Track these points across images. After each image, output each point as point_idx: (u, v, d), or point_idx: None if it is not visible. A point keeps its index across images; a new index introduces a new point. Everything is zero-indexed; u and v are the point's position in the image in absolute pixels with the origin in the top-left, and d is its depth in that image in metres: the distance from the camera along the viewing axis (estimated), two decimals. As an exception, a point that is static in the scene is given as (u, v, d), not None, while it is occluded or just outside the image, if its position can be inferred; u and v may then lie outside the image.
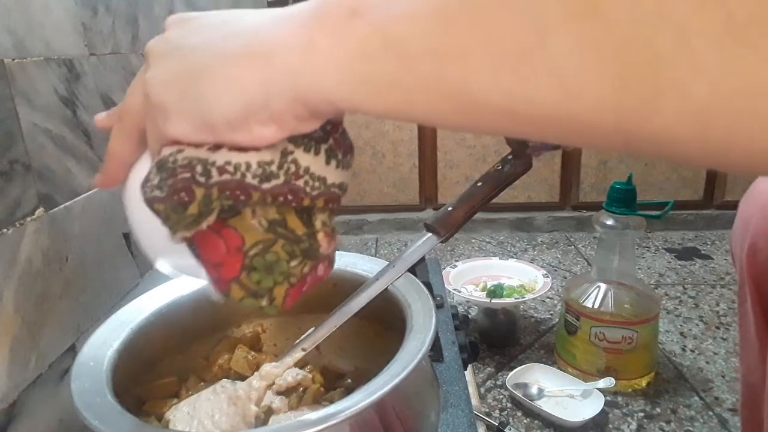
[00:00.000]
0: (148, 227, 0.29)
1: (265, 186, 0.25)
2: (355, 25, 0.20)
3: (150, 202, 0.26)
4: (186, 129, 0.24)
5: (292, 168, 0.25)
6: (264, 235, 0.27)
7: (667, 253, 1.84)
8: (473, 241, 2.02)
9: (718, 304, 1.48)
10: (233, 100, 0.23)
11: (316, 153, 0.26)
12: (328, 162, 0.26)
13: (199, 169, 0.25)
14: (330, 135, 0.27)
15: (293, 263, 0.28)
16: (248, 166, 0.25)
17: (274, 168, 0.25)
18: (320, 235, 0.28)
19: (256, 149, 0.25)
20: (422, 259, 0.45)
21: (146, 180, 0.26)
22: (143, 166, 0.30)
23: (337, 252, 0.30)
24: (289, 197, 0.26)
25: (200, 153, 0.25)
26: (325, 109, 0.23)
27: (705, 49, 0.14)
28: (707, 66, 0.14)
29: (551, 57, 0.16)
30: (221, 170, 0.25)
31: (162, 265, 0.33)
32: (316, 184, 0.26)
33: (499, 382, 1.16)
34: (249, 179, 0.25)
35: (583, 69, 0.16)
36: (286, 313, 0.55)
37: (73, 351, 0.56)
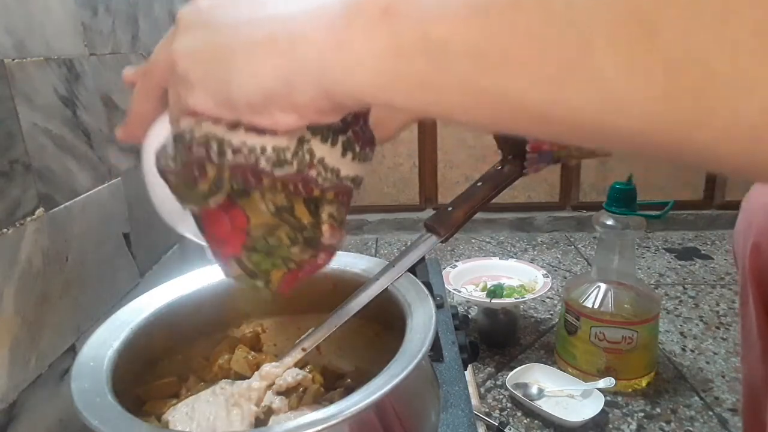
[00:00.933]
0: (163, 189, 0.30)
1: (277, 172, 0.25)
2: (389, 22, 0.20)
3: (162, 172, 0.27)
4: (207, 103, 0.25)
5: (307, 157, 0.25)
6: (270, 219, 0.27)
7: (667, 253, 1.84)
8: (473, 241, 2.02)
9: (718, 304, 1.48)
10: (254, 86, 0.23)
11: (333, 144, 0.26)
12: (344, 154, 0.26)
13: (214, 146, 0.25)
14: (350, 126, 0.27)
15: (294, 249, 0.28)
16: (263, 149, 0.25)
17: (288, 155, 0.25)
18: (325, 227, 0.28)
19: (273, 133, 0.25)
20: (422, 259, 0.45)
21: (162, 149, 0.27)
22: (162, 126, 0.30)
23: (337, 251, 0.30)
24: (299, 186, 0.26)
25: (218, 130, 0.25)
26: (350, 104, 0.23)
27: (759, 68, 0.14)
28: (760, 85, 0.14)
29: (596, 67, 0.16)
30: (236, 151, 0.25)
31: (180, 228, 0.34)
32: (329, 175, 0.26)
33: (499, 382, 1.16)
34: (262, 163, 0.25)
35: (629, 82, 0.16)
36: (285, 312, 0.55)
37: (73, 351, 0.56)
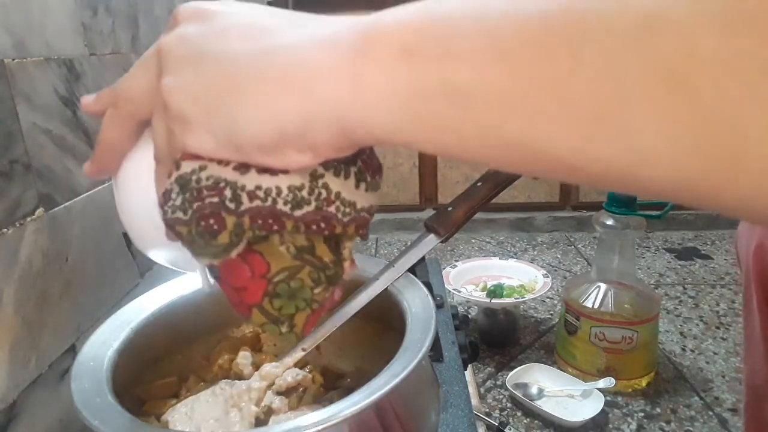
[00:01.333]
0: (142, 220, 0.28)
1: (297, 213, 0.24)
2: (410, 63, 0.19)
3: (171, 224, 0.24)
4: (209, 145, 0.23)
5: (324, 193, 0.24)
6: (291, 262, 0.26)
7: (667, 253, 1.84)
8: (473, 241, 2.02)
9: (718, 304, 1.48)
10: (267, 126, 0.21)
11: (346, 176, 0.25)
12: (357, 185, 0.25)
13: (228, 193, 0.23)
14: (358, 156, 0.25)
15: (317, 290, 0.27)
16: (279, 191, 0.23)
17: (305, 193, 0.24)
18: (347, 263, 0.27)
19: (285, 172, 0.23)
20: (422, 259, 0.45)
21: (166, 197, 0.24)
22: (138, 156, 0.28)
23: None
24: (322, 225, 0.24)
25: (226, 173, 0.23)
26: (369, 141, 0.22)
27: None
28: None
29: (629, 121, 0.16)
30: (251, 195, 0.23)
31: (157, 257, 0.32)
32: (347, 210, 0.25)
33: (499, 382, 1.16)
34: (280, 206, 0.23)
35: (661, 138, 0.16)
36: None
37: (73, 351, 0.56)
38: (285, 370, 0.43)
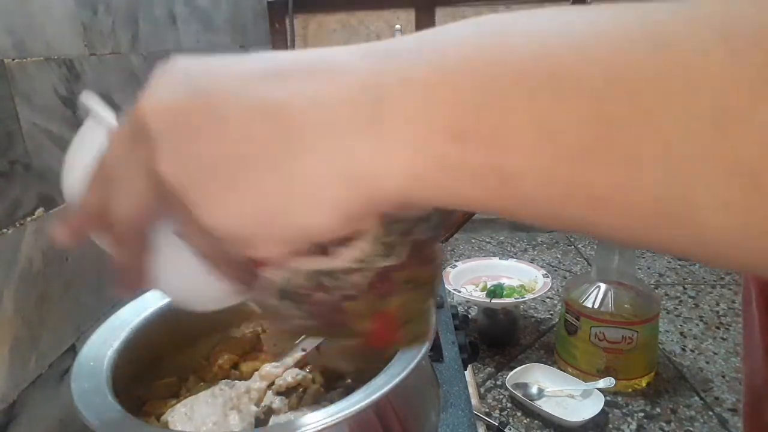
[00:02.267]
0: (192, 299, 0.30)
1: (396, 261, 0.23)
2: (463, 154, 0.18)
3: (291, 328, 0.25)
4: (280, 250, 0.22)
5: (400, 225, 0.24)
6: (406, 295, 0.26)
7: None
8: (473, 241, 2.02)
9: (718, 304, 1.48)
10: (335, 219, 0.20)
11: None
12: None
13: (331, 283, 0.22)
14: None
15: (431, 301, 0.27)
16: (367, 251, 0.23)
17: (385, 238, 0.23)
18: (438, 271, 0.27)
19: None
20: (422, 259, 0.45)
21: (270, 308, 0.24)
22: (169, 257, 0.28)
23: None
24: (424, 253, 0.24)
25: (314, 264, 0.22)
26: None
27: None
28: None
29: (692, 216, 0.16)
30: (351, 272, 0.22)
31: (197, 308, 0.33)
32: (424, 225, 0.24)
33: (499, 382, 1.17)
34: (379, 263, 0.23)
35: (726, 231, 0.16)
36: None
37: (73, 351, 0.56)
38: (285, 370, 0.43)
